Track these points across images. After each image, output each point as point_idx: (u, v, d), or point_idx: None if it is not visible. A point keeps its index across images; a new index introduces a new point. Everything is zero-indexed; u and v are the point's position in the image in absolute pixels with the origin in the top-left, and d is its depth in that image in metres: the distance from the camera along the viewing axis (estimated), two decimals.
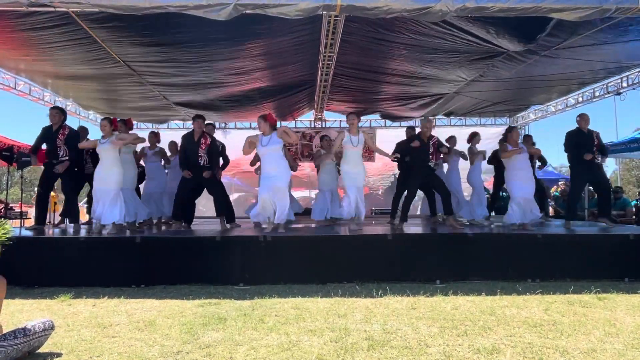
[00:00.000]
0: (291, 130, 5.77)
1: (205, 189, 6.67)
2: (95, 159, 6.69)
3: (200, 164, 6.23)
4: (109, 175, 5.56)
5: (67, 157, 5.97)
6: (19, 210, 10.07)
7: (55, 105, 6.55)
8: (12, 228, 2.69)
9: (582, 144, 6.18)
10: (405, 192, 6.64)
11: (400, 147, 6.69)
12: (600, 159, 6.25)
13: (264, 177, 5.49)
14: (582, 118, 6.34)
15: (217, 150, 6.60)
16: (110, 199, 5.53)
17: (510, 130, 6.14)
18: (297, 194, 12.98)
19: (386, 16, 4.34)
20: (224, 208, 6.50)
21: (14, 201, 19.34)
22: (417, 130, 6.78)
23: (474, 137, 7.35)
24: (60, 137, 6.00)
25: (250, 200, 10.21)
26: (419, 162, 6.26)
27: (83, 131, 6.90)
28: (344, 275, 4.82)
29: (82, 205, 9.24)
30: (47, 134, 6.12)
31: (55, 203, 10.64)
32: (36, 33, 5.38)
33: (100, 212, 5.55)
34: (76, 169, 6.25)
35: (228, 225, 6.44)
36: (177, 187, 6.49)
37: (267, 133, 5.45)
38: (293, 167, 7.07)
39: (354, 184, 5.82)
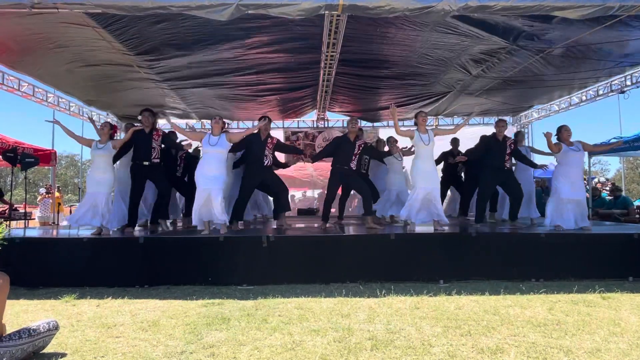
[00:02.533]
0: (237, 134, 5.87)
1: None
2: (190, 163, 6.84)
3: (265, 164, 6.23)
4: (103, 179, 5.59)
5: (159, 159, 6.17)
6: (23, 211, 10.10)
7: (146, 107, 6.63)
8: (6, 229, 2.70)
9: (493, 149, 6.29)
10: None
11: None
12: (509, 165, 6.43)
13: (200, 178, 5.45)
14: (498, 125, 6.45)
15: (285, 148, 6.59)
16: (103, 203, 5.53)
17: (560, 129, 5.96)
18: (299, 193, 13.02)
19: (388, 15, 4.34)
20: (287, 205, 6.57)
21: (18, 202, 19.43)
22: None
23: (517, 136, 7.36)
24: (156, 138, 6.16)
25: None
26: (340, 163, 6.23)
27: (174, 135, 7.16)
28: (347, 275, 4.82)
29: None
30: (138, 136, 6.19)
31: (59, 204, 10.68)
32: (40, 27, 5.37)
33: (92, 216, 5.53)
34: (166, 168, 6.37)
35: (282, 223, 6.47)
36: (241, 188, 6.38)
37: (216, 134, 5.54)
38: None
39: (425, 185, 5.56)
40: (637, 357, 2.66)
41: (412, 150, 7.09)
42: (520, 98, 9.58)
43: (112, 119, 10.82)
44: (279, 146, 6.59)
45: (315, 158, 6.77)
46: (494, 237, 5.38)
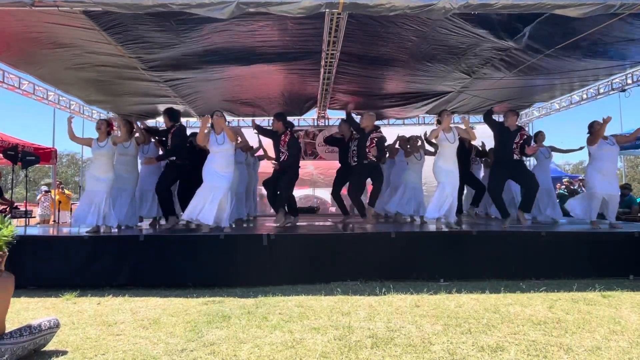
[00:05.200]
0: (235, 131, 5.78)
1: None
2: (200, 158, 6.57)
3: (280, 159, 6.37)
4: (103, 178, 5.56)
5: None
6: (24, 209, 10.11)
7: (168, 108, 6.84)
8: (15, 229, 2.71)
9: (501, 137, 6.27)
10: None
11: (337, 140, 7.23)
12: (517, 156, 6.25)
13: (208, 175, 5.42)
14: (506, 114, 6.43)
15: (298, 146, 6.64)
16: (104, 202, 5.50)
17: (592, 124, 5.98)
18: (300, 192, 13.01)
19: (389, 14, 4.33)
20: (282, 202, 6.60)
21: (19, 200, 19.46)
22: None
23: (537, 136, 7.36)
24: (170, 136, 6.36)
25: None
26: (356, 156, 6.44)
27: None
28: (347, 273, 4.82)
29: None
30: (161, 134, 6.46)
31: (60, 202, 10.68)
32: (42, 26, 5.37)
33: (87, 214, 5.50)
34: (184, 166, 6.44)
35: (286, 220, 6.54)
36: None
37: (219, 131, 5.54)
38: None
39: (449, 181, 5.66)
40: (638, 356, 2.66)
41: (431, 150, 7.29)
42: (520, 96, 9.57)
43: (112, 117, 10.82)
44: (290, 142, 6.50)
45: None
46: (495, 235, 5.38)
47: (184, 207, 6.52)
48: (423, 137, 7.11)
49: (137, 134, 6.53)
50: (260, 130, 7.01)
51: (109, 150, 5.62)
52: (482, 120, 11.31)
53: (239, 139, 6.26)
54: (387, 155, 7.38)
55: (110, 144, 5.64)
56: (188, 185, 6.34)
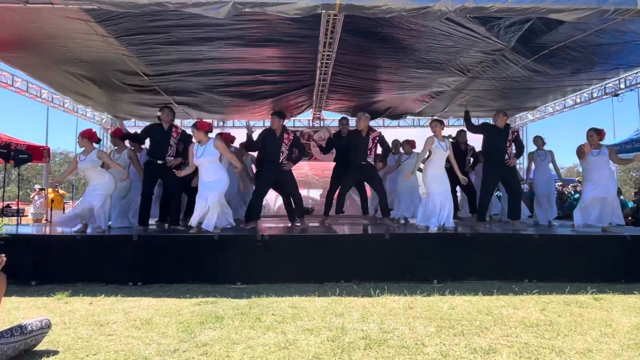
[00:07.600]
0: (226, 148, 5.53)
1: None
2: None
3: (280, 160, 6.20)
4: (98, 185, 5.41)
5: (174, 157, 6.15)
6: (16, 207, 10.02)
7: (166, 105, 6.65)
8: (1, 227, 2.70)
9: (493, 139, 6.27)
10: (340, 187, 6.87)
11: (334, 141, 7.08)
12: (511, 159, 6.22)
13: (200, 185, 5.36)
14: (497, 115, 6.48)
15: (300, 145, 6.55)
16: (98, 206, 5.37)
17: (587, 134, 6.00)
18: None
19: (385, 15, 4.34)
20: (302, 211, 6.55)
21: (11, 198, 19.30)
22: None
23: (536, 141, 7.38)
24: (174, 136, 6.15)
25: None
26: (355, 158, 6.36)
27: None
28: (341, 274, 4.82)
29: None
30: (156, 132, 6.19)
31: (52, 201, 10.60)
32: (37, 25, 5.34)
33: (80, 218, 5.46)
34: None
35: (302, 224, 6.46)
36: (257, 185, 6.36)
37: (203, 142, 5.35)
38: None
39: (439, 190, 5.71)
40: (628, 358, 2.68)
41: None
42: (515, 100, 9.62)
43: (107, 117, 10.77)
44: (295, 143, 6.43)
45: (325, 151, 7.29)
46: (488, 237, 5.40)
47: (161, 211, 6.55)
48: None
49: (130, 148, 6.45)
50: (251, 146, 6.65)
51: (91, 164, 5.39)
52: (477, 122, 11.41)
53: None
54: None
55: (91, 157, 5.39)
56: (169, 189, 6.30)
